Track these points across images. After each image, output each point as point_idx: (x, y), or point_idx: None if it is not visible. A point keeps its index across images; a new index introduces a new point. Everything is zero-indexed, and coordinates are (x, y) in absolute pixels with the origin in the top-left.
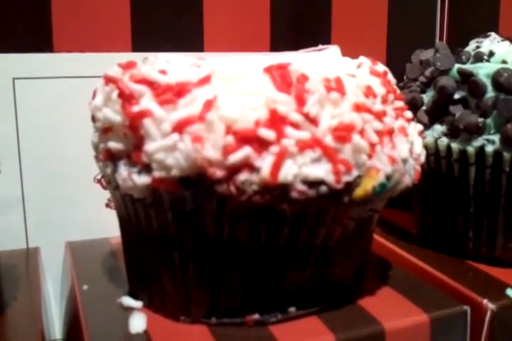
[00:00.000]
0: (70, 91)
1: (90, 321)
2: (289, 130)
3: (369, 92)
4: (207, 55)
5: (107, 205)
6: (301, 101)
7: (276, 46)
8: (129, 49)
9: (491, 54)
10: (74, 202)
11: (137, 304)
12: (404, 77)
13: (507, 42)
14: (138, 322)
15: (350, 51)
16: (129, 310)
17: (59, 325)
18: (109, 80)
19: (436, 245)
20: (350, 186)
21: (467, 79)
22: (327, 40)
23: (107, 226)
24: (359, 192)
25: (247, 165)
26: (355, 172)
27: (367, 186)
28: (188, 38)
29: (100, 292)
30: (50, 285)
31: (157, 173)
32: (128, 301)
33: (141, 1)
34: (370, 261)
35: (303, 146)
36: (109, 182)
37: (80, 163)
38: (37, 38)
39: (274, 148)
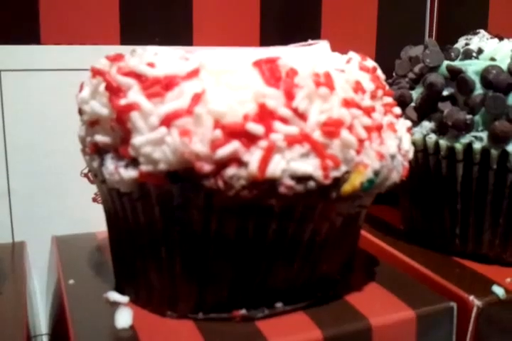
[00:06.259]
0: (57, 84)
1: (76, 316)
2: (277, 125)
3: (358, 88)
4: (196, 49)
5: (94, 199)
6: (290, 96)
7: (265, 41)
8: (118, 42)
9: (480, 51)
10: (60, 196)
11: (123, 299)
12: (394, 74)
13: (495, 40)
14: (124, 317)
15: (339, 47)
16: (116, 304)
17: (45, 320)
18: (96, 73)
19: (423, 241)
20: (338, 182)
21: (456, 76)
22: (317, 36)
23: (94, 221)
24: (347, 187)
25: (235, 159)
26: (343, 168)
27: (355, 182)
28: (177, 31)
29: (86, 287)
30: (35, 280)
31: (144, 167)
32: (114, 296)
33: None
34: (357, 257)
35: (291, 141)
36: (95, 175)
37: (67, 156)
38: (24, 29)
39: (263, 143)
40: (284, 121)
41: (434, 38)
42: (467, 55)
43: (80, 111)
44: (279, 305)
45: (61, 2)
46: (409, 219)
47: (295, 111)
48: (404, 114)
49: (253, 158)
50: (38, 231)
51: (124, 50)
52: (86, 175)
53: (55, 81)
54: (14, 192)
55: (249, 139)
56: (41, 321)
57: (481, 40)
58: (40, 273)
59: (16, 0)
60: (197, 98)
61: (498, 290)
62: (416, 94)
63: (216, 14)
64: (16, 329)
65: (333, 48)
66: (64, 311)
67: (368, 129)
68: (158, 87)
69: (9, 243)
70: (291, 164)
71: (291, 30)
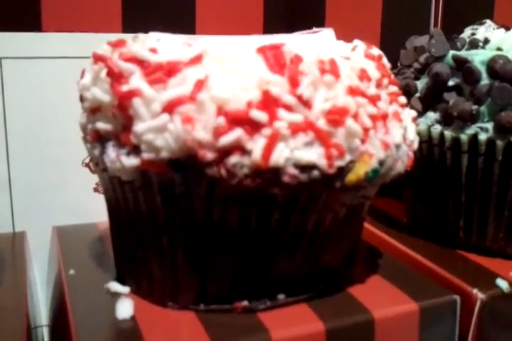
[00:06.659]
0: (59, 72)
1: (77, 307)
2: (281, 112)
3: (363, 75)
4: (199, 37)
5: (95, 189)
6: (294, 83)
7: (269, 29)
8: (120, 30)
9: (486, 41)
10: (61, 186)
11: (125, 289)
12: (398, 64)
13: (502, 30)
14: (125, 308)
15: (344, 36)
16: (117, 295)
17: (45, 310)
18: (98, 58)
19: (426, 234)
20: (342, 171)
21: (462, 65)
22: (321, 25)
23: (95, 211)
24: (351, 177)
25: (239, 147)
26: (347, 157)
27: (359, 171)
28: (179, 19)
29: (87, 277)
30: (36, 270)
31: (146, 155)
32: (115, 286)
33: None
34: (360, 250)
35: (295, 129)
36: (97, 164)
37: (68, 146)
38: (25, 16)
39: (266, 131)
40: (288, 108)
41: (440, 28)
42: (473, 44)
43: (82, 98)
44: (281, 296)
45: None
46: (413, 211)
47: (299, 98)
48: (409, 105)
49: (256, 146)
50: (39, 222)
51: (126, 37)
52: (87, 165)
53: (57, 69)
54: (15, 181)
55: (253, 127)
56: (41, 312)
57: (487, 30)
58: (41, 263)
59: None
60: (200, 84)
61: (502, 284)
62: (421, 84)
63: (219, 2)
64: (16, 319)
65: (338, 37)
66: (64, 302)
67: (373, 118)
68: (161, 73)
69: (10, 233)
70: (295, 153)
71: (295, 19)
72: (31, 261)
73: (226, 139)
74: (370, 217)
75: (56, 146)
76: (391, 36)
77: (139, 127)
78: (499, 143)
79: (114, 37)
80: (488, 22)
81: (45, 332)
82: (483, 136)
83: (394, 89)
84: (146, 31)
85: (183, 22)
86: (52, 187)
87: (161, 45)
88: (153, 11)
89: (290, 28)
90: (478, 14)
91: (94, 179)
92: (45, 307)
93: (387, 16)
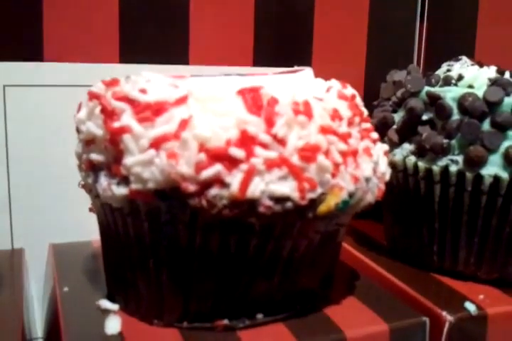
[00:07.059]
0: (59, 99)
1: (69, 321)
2: (258, 149)
3: (335, 115)
4: (192, 68)
5: (91, 209)
6: (270, 123)
7: (258, 61)
8: (117, 60)
9: (460, 77)
10: (59, 205)
11: (114, 307)
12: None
13: (476, 67)
14: (113, 324)
15: (330, 70)
16: (106, 312)
17: (41, 324)
18: (93, 96)
19: (404, 257)
20: (314, 202)
21: (435, 101)
22: (308, 59)
23: (90, 230)
24: (323, 208)
25: (218, 180)
26: (319, 190)
27: (330, 203)
28: (174, 51)
29: (80, 294)
30: (33, 286)
31: (134, 185)
32: (105, 304)
33: (129, 15)
34: (339, 271)
35: (270, 165)
36: (90, 190)
37: (66, 168)
38: (28, 46)
39: (244, 166)
40: (264, 146)
41: (422, 63)
42: (446, 81)
43: (78, 130)
44: (259, 316)
45: (64, 22)
46: (392, 235)
47: (274, 137)
48: (387, 136)
49: (235, 179)
50: (37, 239)
51: (123, 68)
52: (83, 186)
53: (57, 96)
54: (15, 201)
55: (231, 162)
56: (37, 325)
57: (462, 67)
58: (38, 278)
59: (22, 19)
60: (184, 123)
61: (470, 307)
62: (398, 117)
63: (212, 36)
64: (11, 332)
65: (324, 71)
66: (58, 317)
67: (344, 154)
68: (149, 112)
69: (8, 249)
70: (270, 186)
71: (282, 52)
72: (28, 277)
73: (207, 173)
74: (351, 239)
75: (55, 168)
76: (375, 69)
77: (128, 160)
78: (468, 175)
79: (112, 67)
80: (464, 58)
81: None
82: (453, 168)
83: (367, 125)
84: (142, 62)
85: (177, 53)
86: (50, 206)
87: (150, 86)
88: (148, 43)
89: (278, 61)
90: (460, 49)
91: (90, 199)
92: (41, 321)
93: (371, 51)
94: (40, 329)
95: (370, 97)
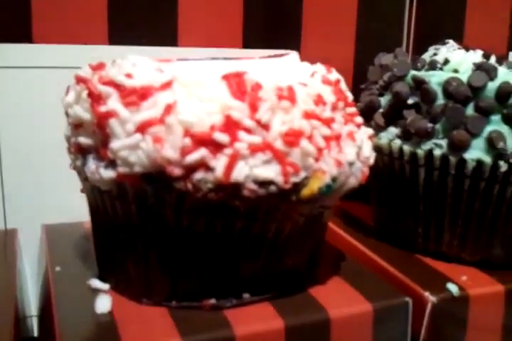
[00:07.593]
0: (48, 81)
1: (60, 300)
2: (242, 134)
3: (319, 100)
4: (181, 50)
5: (82, 191)
6: (254, 108)
7: (247, 43)
8: (106, 42)
9: (446, 61)
10: (51, 186)
11: (104, 286)
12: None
13: (462, 51)
14: (103, 303)
15: (319, 52)
16: (97, 291)
17: (35, 302)
18: (79, 80)
19: (390, 239)
20: (297, 186)
21: (420, 86)
22: (297, 41)
23: (82, 211)
24: (306, 191)
25: (203, 165)
26: (302, 174)
27: (313, 186)
28: (163, 32)
29: (71, 273)
30: (27, 266)
31: (121, 169)
32: (96, 283)
33: None
34: (326, 252)
35: (254, 149)
36: (79, 173)
37: (57, 149)
38: (17, 28)
39: (228, 151)
40: (248, 131)
41: (412, 46)
42: (432, 65)
43: (66, 113)
44: (246, 295)
45: (53, 3)
46: (378, 217)
47: (258, 122)
48: (373, 119)
49: (219, 163)
50: (30, 220)
51: (112, 49)
52: (74, 168)
53: (46, 77)
54: (7, 182)
55: (216, 147)
56: (31, 303)
57: (448, 51)
58: (32, 258)
59: (9, 2)
60: (169, 108)
61: (452, 288)
62: (384, 100)
63: (201, 16)
64: (5, 310)
65: (314, 52)
66: (50, 295)
67: (327, 139)
68: (135, 96)
69: (2, 230)
70: (254, 170)
71: (272, 34)
72: (22, 257)
73: (191, 157)
74: (340, 221)
75: (46, 150)
76: (365, 51)
77: (114, 144)
78: (452, 158)
79: (101, 48)
80: (451, 42)
81: (35, 322)
82: (437, 152)
83: (351, 110)
84: (131, 43)
85: (166, 35)
86: (43, 188)
87: (136, 71)
88: (137, 24)
89: (267, 42)
90: (449, 32)
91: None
92: (35, 299)
93: (361, 32)
94: (34, 308)
95: (360, 80)
